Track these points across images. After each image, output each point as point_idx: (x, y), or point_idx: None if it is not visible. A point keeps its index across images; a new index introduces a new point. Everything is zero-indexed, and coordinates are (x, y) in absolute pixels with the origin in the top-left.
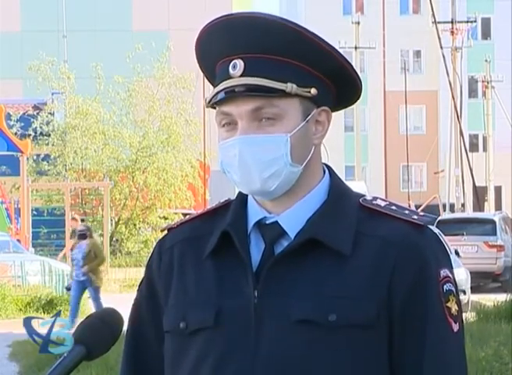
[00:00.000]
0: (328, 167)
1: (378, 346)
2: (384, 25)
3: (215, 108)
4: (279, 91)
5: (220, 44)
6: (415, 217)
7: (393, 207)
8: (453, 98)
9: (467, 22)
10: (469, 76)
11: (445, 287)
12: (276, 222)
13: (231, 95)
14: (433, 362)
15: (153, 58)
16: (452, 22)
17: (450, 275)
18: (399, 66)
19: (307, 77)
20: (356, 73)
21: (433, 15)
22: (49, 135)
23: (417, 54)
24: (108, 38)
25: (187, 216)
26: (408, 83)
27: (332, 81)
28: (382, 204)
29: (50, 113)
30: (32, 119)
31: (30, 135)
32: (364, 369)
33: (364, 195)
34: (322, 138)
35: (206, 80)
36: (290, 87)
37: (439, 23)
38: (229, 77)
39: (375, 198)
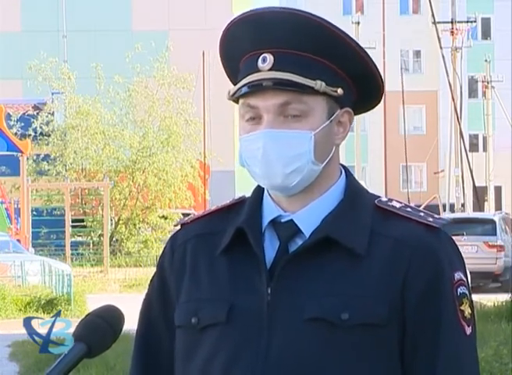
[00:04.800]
0: (345, 167)
1: (390, 346)
2: (384, 25)
3: (236, 101)
4: (308, 88)
5: (249, 37)
6: (430, 219)
7: (408, 209)
8: (453, 98)
9: (467, 22)
10: (469, 76)
11: (459, 290)
12: (291, 220)
13: (258, 89)
14: (445, 365)
15: (153, 58)
16: (452, 22)
17: (464, 278)
18: (399, 66)
19: (334, 76)
20: (382, 81)
21: (433, 15)
22: (49, 135)
23: (417, 54)
24: (107, 38)
25: (201, 212)
26: (408, 83)
27: (355, 83)
28: (398, 205)
29: (50, 113)
30: (32, 119)
31: (30, 135)
32: (375, 368)
33: (379, 196)
34: (343, 139)
35: (206, 80)
36: (319, 84)
37: (438, 23)
38: (257, 71)
39: (391, 200)
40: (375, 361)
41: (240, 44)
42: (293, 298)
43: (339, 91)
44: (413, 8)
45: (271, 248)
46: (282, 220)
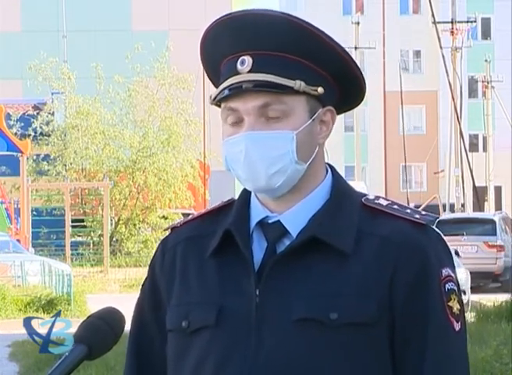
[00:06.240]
0: (331, 167)
1: (379, 345)
2: (384, 25)
3: (219, 105)
4: (288, 88)
5: (228, 41)
6: (417, 216)
7: (395, 206)
8: (453, 98)
9: (467, 22)
10: (469, 76)
11: (446, 286)
12: (278, 221)
13: (238, 91)
14: (434, 362)
15: (153, 58)
16: (452, 22)
17: (452, 274)
18: (399, 66)
19: (314, 76)
20: (361, 74)
21: (433, 15)
22: (49, 135)
23: (417, 54)
24: (107, 38)
25: (191, 216)
26: (408, 84)
27: (337, 81)
28: (384, 203)
29: (50, 113)
30: (32, 119)
31: (30, 135)
32: (365, 367)
33: (366, 194)
34: (326, 138)
35: (206, 80)
36: (299, 84)
37: (438, 23)
38: (237, 73)
39: (378, 198)
40: (366, 360)
41: (219, 48)
42: (282, 299)
43: (320, 89)
44: (413, 8)
45: (259, 249)
46: (270, 221)
